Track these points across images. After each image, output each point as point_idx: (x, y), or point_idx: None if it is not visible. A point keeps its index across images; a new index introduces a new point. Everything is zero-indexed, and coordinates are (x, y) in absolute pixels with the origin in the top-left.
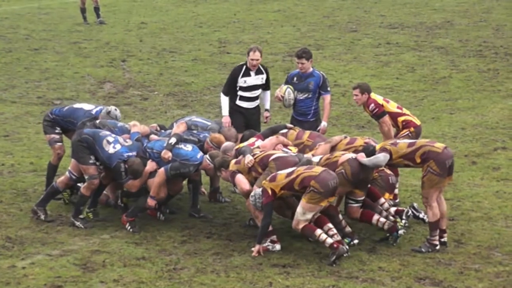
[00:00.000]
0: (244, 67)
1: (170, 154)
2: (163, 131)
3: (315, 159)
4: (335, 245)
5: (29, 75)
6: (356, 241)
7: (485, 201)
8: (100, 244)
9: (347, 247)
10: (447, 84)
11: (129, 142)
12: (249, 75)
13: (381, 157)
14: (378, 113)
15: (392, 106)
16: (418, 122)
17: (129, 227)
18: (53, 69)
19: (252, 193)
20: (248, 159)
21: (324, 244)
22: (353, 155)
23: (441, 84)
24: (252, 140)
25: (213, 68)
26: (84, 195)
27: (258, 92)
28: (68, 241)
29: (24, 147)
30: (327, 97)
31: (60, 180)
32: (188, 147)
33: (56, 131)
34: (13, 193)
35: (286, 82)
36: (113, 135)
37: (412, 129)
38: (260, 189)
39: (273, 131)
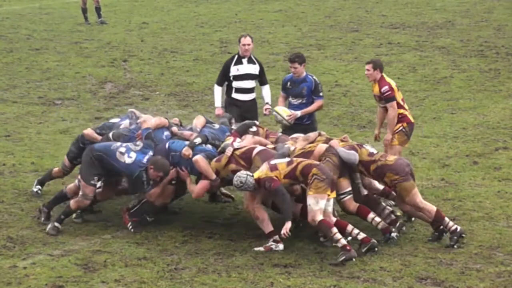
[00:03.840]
0: (236, 56)
1: (191, 151)
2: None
3: (291, 147)
4: (347, 247)
5: (30, 75)
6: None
7: (486, 201)
8: (102, 244)
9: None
10: (449, 84)
11: (140, 145)
12: (241, 63)
13: (356, 154)
14: (389, 97)
15: (399, 96)
16: (412, 120)
17: (130, 227)
18: (54, 69)
19: (238, 176)
20: (229, 150)
21: (337, 243)
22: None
23: (443, 84)
24: (229, 140)
25: (214, 68)
26: (71, 208)
27: (252, 83)
28: (69, 241)
29: (25, 147)
30: (319, 102)
31: (69, 187)
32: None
33: (75, 162)
34: (15, 193)
35: (282, 87)
36: (124, 145)
37: (405, 124)
38: (246, 174)
39: (247, 127)
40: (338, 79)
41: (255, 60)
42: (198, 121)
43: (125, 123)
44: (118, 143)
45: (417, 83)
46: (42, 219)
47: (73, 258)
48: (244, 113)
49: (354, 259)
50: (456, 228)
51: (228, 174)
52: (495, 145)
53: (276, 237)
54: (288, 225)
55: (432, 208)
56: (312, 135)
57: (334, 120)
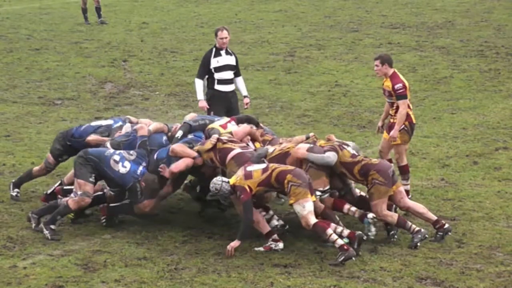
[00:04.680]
0: (214, 48)
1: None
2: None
3: (270, 149)
4: (345, 247)
5: (30, 75)
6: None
7: (486, 201)
8: (101, 244)
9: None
10: (449, 84)
11: (134, 155)
12: (220, 55)
13: (332, 157)
14: (402, 94)
15: (408, 95)
16: (414, 120)
17: (103, 221)
18: (54, 69)
19: (213, 182)
20: (214, 137)
21: (334, 243)
22: (310, 145)
23: (443, 84)
24: (225, 119)
25: None
26: (69, 208)
27: (231, 74)
28: (69, 241)
29: (25, 147)
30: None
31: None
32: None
33: (60, 159)
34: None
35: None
36: (118, 152)
37: (407, 123)
38: (221, 181)
39: (249, 120)
40: (338, 79)
41: (231, 52)
42: (189, 116)
43: (126, 127)
44: (111, 150)
45: (417, 83)
46: (34, 225)
47: (73, 258)
48: (227, 104)
49: (353, 258)
50: (420, 229)
51: (208, 160)
52: (495, 145)
53: (275, 236)
54: (236, 243)
55: (393, 215)
56: (298, 138)
57: (334, 120)
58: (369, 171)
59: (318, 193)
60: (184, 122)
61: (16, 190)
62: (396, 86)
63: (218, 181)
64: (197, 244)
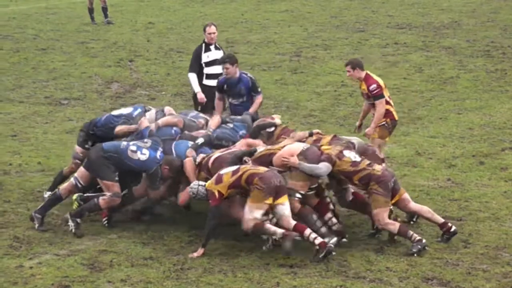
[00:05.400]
0: (204, 44)
1: (194, 153)
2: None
3: (260, 149)
4: (323, 244)
5: (37, 75)
6: (344, 240)
7: (493, 202)
8: (108, 244)
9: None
10: (455, 84)
11: (148, 142)
12: (210, 50)
13: (323, 169)
14: (378, 94)
15: (386, 93)
16: (396, 117)
17: (105, 222)
18: (60, 69)
19: (190, 186)
20: (199, 158)
21: (314, 242)
22: (303, 148)
23: (449, 84)
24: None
25: None
26: (99, 206)
27: (220, 68)
28: (75, 241)
29: (31, 147)
30: (259, 98)
31: (63, 187)
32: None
33: (86, 146)
34: (21, 193)
35: (218, 89)
36: (132, 143)
37: (389, 120)
38: (197, 184)
39: (261, 128)
40: (344, 79)
41: (219, 47)
42: (213, 122)
43: (150, 113)
44: (125, 142)
45: (423, 83)
46: (37, 225)
47: (79, 258)
48: (213, 98)
49: (334, 253)
50: (421, 239)
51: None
52: (502, 145)
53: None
54: (200, 251)
55: (395, 224)
56: (301, 134)
57: (340, 120)
58: (370, 181)
59: (298, 195)
60: (209, 132)
61: (50, 193)
62: (371, 88)
63: (194, 185)
64: None
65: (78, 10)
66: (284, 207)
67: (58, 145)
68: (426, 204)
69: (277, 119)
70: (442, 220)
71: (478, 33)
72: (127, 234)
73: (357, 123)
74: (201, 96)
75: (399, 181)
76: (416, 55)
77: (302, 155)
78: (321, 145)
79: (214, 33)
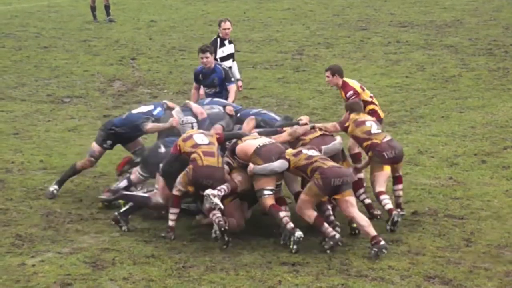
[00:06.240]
0: (218, 39)
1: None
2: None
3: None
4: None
5: (39, 73)
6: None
7: (494, 200)
8: (110, 242)
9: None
10: (457, 82)
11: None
12: (224, 45)
13: (279, 166)
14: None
15: (366, 95)
16: (382, 115)
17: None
18: (62, 67)
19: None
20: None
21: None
22: (257, 146)
23: (451, 82)
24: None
25: None
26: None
27: (231, 62)
28: (77, 239)
29: (33, 145)
30: (232, 87)
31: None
32: None
33: (104, 145)
34: (23, 191)
35: (194, 78)
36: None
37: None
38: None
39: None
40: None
41: (232, 41)
42: (248, 127)
43: (177, 110)
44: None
45: (425, 82)
46: (124, 227)
47: (81, 256)
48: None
49: (298, 236)
50: (335, 235)
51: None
52: (504, 144)
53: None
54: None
55: (311, 216)
56: (301, 129)
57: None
58: (315, 172)
59: (267, 192)
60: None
61: (55, 187)
62: (348, 95)
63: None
64: (205, 242)
65: (80, 8)
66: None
67: (60, 143)
68: (428, 202)
69: (304, 119)
70: (374, 234)
71: (480, 32)
72: (129, 232)
73: None
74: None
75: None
76: (418, 54)
77: (256, 153)
78: (304, 140)
79: (229, 28)
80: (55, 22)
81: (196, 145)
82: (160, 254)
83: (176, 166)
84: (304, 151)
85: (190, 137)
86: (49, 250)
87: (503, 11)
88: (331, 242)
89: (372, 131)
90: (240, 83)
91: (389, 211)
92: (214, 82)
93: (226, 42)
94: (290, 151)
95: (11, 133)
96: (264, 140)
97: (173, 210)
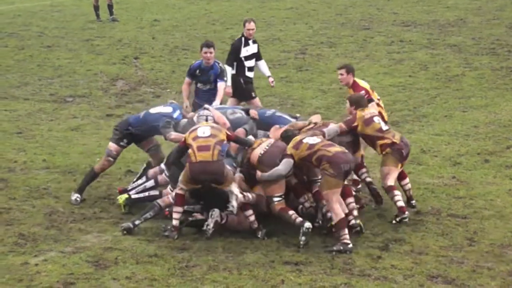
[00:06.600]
0: (243, 38)
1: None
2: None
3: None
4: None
5: (42, 72)
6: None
7: (497, 199)
8: (113, 241)
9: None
10: (460, 82)
11: None
12: (248, 44)
13: (284, 168)
14: (368, 99)
15: (374, 97)
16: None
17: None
18: (65, 66)
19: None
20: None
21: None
22: (260, 153)
23: (454, 82)
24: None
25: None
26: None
27: (254, 61)
28: (80, 238)
29: (36, 144)
30: (221, 84)
31: (163, 199)
32: None
33: (121, 143)
34: (26, 190)
35: (190, 73)
36: None
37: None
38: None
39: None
40: None
41: (255, 40)
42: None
43: (191, 115)
44: None
45: (428, 81)
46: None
47: (84, 255)
48: (252, 89)
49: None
50: (347, 243)
51: None
52: (507, 143)
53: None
54: None
55: (339, 214)
56: (300, 123)
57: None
58: (321, 161)
59: (276, 199)
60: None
61: (77, 195)
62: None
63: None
64: (208, 241)
65: (83, 8)
66: None
67: (63, 142)
68: (431, 201)
69: (315, 119)
70: (346, 232)
71: (483, 31)
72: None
73: None
74: (229, 90)
75: None
76: (421, 53)
77: (260, 162)
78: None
79: (253, 29)
80: (58, 21)
81: (195, 138)
82: (163, 253)
83: (176, 157)
84: (305, 140)
85: (196, 129)
86: (52, 249)
87: (507, 10)
88: (341, 248)
89: (383, 128)
90: (271, 79)
91: (401, 209)
92: (211, 79)
93: (250, 42)
94: (290, 145)
95: (14, 132)
96: (264, 145)
97: (177, 209)
